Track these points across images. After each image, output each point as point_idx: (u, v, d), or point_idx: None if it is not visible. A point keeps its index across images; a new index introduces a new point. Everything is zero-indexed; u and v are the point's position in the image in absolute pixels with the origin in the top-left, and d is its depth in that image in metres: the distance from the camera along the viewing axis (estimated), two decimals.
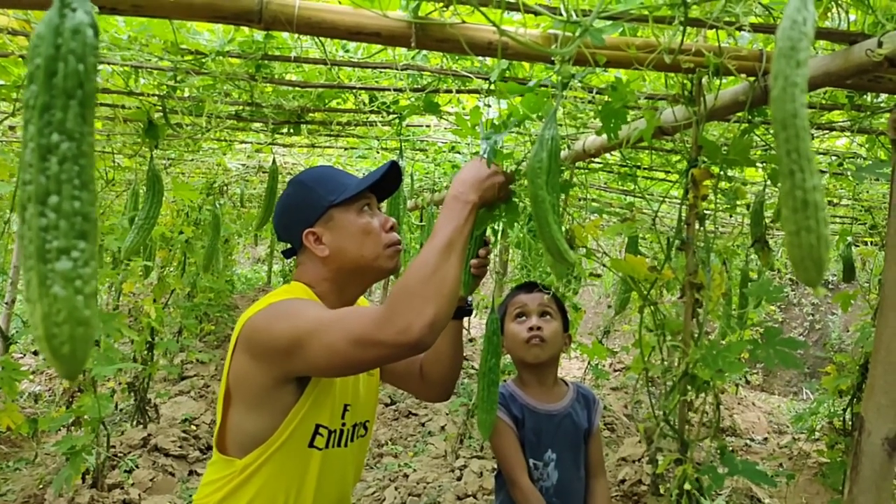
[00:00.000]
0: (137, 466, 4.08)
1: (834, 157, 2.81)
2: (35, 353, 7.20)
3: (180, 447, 4.46)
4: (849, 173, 2.74)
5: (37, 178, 0.54)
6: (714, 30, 1.31)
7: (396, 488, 4.26)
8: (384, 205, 2.31)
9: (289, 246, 1.57)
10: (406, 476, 4.48)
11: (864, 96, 1.86)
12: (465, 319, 1.65)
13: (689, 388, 1.64)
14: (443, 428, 5.43)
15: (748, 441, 6.22)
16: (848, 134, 2.34)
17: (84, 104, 0.57)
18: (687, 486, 1.61)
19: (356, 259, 1.48)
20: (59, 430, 4.23)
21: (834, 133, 2.39)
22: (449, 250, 1.22)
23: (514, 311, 1.95)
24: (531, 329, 1.90)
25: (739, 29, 1.24)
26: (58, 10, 0.57)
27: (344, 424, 1.48)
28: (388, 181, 1.58)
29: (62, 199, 0.55)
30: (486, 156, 1.50)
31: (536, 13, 1.24)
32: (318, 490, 1.42)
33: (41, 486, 3.74)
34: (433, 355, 1.62)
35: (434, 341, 1.19)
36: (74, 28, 0.57)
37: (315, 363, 1.27)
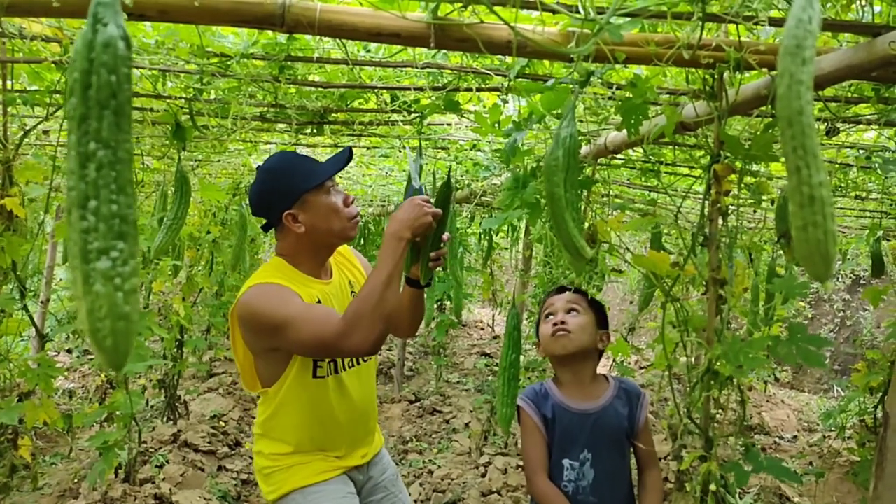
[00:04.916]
0: (168, 462, 4.17)
1: (862, 151, 2.76)
2: (69, 352, 7.37)
3: (209, 443, 4.54)
4: (877, 166, 2.69)
5: (77, 185, 0.59)
6: (734, 24, 1.30)
7: (421, 484, 4.29)
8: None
9: (265, 221, 1.90)
10: (430, 472, 4.51)
11: (892, 88, 1.83)
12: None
13: (712, 384, 1.63)
14: (467, 425, 5.45)
15: (777, 439, 6.13)
16: (875, 127, 2.30)
17: (118, 113, 0.60)
18: (712, 487, 1.60)
19: (327, 233, 1.86)
20: (93, 425, 4.34)
21: (861, 126, 2.34)
22: (388, 283, 1.66)
23: (545, 313, 1.99)
24: (555, 324, 1.92)
25: (759, 24, 1.23)
26: (91, 26, 0.60)
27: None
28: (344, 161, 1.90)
29: (100, 203, 0.59)
30: (413, 178, 1.81)
31: (554, 11, 1.25)
32: (339, 407, 1.86)
33: (76, 480, 3.84)
34: (397, 314, 1.93)
35: (381, 347, 1.70)
36: (105, 42, 0.60)
37: (287, 347, 1.74)
